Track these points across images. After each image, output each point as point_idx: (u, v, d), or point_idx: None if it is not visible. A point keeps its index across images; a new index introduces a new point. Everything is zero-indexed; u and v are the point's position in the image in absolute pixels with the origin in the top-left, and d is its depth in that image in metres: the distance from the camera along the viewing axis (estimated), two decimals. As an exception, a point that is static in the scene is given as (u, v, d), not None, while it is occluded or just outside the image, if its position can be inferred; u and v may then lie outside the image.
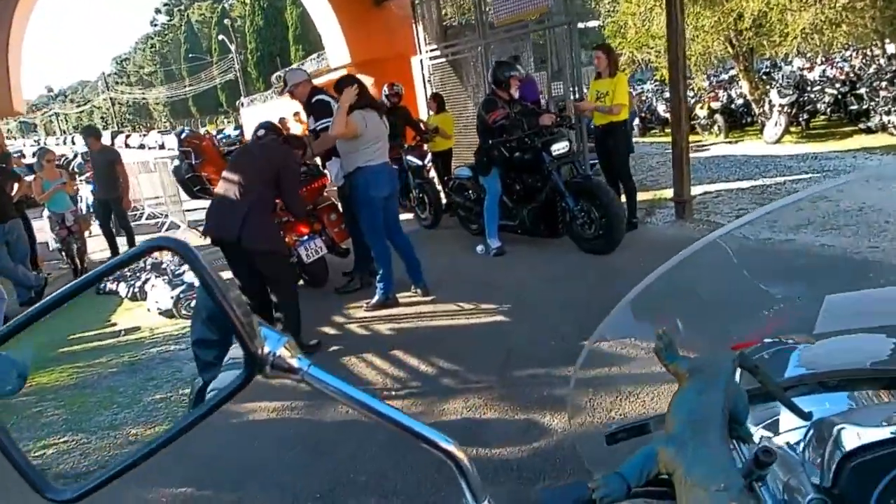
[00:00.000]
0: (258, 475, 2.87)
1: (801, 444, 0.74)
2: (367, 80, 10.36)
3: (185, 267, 0.71)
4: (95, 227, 8.85)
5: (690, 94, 12.50)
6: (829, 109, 11.18)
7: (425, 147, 7.90)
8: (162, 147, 36.22)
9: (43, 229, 8.57)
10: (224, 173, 4.07)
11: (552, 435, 2.71)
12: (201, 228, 5.29)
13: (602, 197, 5.22)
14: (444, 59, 8.94)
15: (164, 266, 6.50)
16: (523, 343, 3.76)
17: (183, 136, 5.84)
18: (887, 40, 12.36)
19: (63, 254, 7.60)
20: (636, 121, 14.83)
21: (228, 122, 45.59)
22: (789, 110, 10.75)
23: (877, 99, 9.93)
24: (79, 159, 9.59)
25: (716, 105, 12.51)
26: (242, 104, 31.00)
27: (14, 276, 6.71)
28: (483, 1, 7.91)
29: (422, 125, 7.96)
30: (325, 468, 2.81)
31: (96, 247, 8.74)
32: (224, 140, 23.11)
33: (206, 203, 4.56)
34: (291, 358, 0.66)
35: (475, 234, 6.45)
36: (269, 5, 46.64)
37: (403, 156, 7.69)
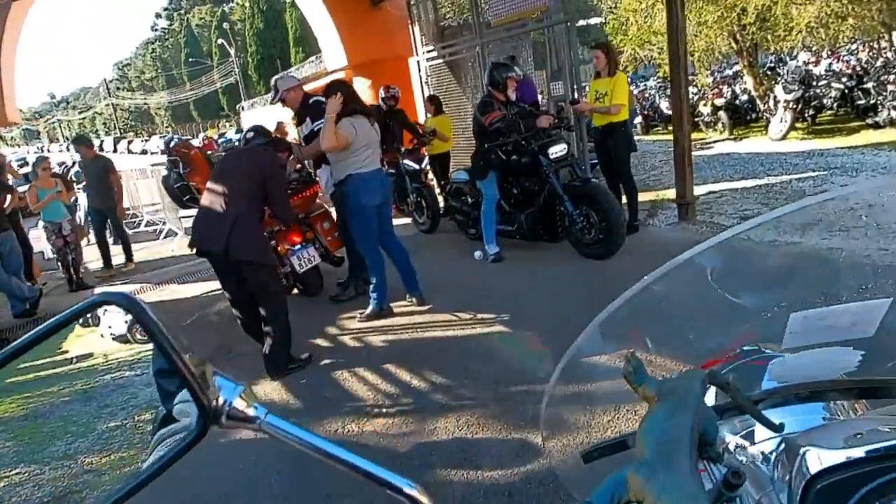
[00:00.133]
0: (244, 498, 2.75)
1: (773, 459, 0.75)
2: (365, 83, 10.35)
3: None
4: (92, 236, 8.72)
5: (693, 90, 12.33)
6: (835, 104, 10.97)
7: (423, 150, 7.76)
8: (164, 152, 36.19)
9: (40, 239, 8.49)
10: (209, 183, 3.94)
11: (547, 457, 2.56)
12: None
13: (602, 200, 5.07)
14: (441, 61, 8.82)
15: (115, 291, 6.34)
16: (520, 357, 3.62)
17: (172, 145, 5.72)
18: (895, 33, 12.16)
19: (59, 264, 7.49)
20: (639, 118, 14.68)
21: (230, 125, 45.48)
22: (795, 106, 10.55)
23: (884, 93, 9.73)
24: (77, 167, 9.46)
25: (719, 101, 12.31)
26: (243, 108, 31.00)
27: (7, 289, 6.62)
28: (480, 0, 7.78)
29: (419, 128, 7.84)
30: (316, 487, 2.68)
31: (93, 255, 8.64)
32: (226, 144, 23.09)
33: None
34: (248, 407, 0.65)
35: (473, 238, 6.31)
36: (269, 8, 46.63)
37: (400, 160, 7.57)
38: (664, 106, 14.33)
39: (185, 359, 0.61)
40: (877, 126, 9.89)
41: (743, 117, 12.63)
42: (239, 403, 0.64)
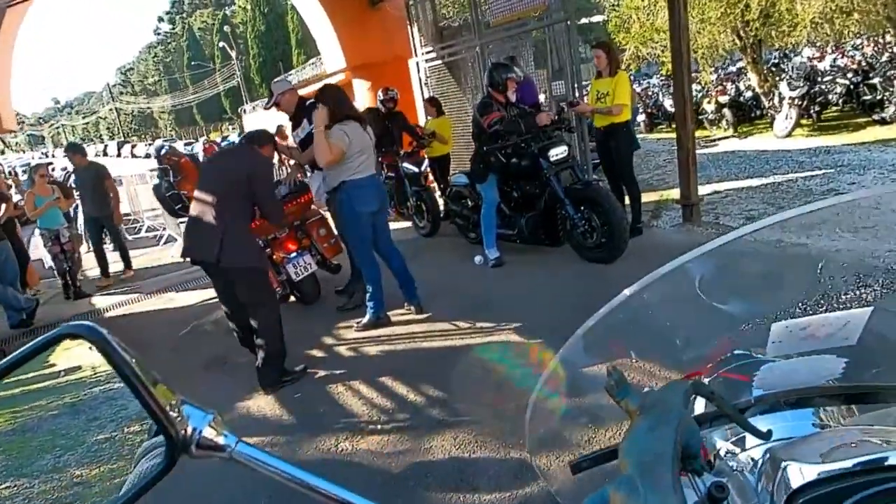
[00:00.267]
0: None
1: (758, 468, 0.75)
2: (364, 85, 10.26)
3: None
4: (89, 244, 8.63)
5: (697, 87, 12.19)
6: (840, 100, 10.81)
7: (423, 153, 7.65)
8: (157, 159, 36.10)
9: (38, 246, 8.42)
10: (196, 192, 3.85)
11: (541, 476, 2.44)
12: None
13: (604, 203, 4.95)
14: (440, 62, 8.71)
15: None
16: (521, 370, 3.50)
17: (162, 152, 5.62)
18: (900, 27, 11.99)
19: (55, 272, 7.40)
20: (642, 116, 14.55)
21: (233, 128, 45.51)
22: (800, 102, 10.41)
23: (891, 89, 9.57)
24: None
25: (723, 99, 12.17)
26: (245, 111, 30.96)
27: (3, 300, 6.54)
28: None
29: (418, 130, 7.73)
30: None
31: (94, 263, 8.54)
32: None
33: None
34: (218, 436, 0.65)
35: (474, 242, 6.20)
36: (271, 11, 46.60)
37: (399, 163, 7.47)
38: (668, 104, 14.19)
39: (151, 390, 0.60)
40: (883, 122, 9.74)
41: (747, 114, 12.49)
42: (209, 432, 0.64)
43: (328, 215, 5.21)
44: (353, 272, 5.17)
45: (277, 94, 5.00)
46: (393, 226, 7.97)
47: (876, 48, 13.05)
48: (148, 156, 42.57)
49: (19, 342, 6.36)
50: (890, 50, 12.07)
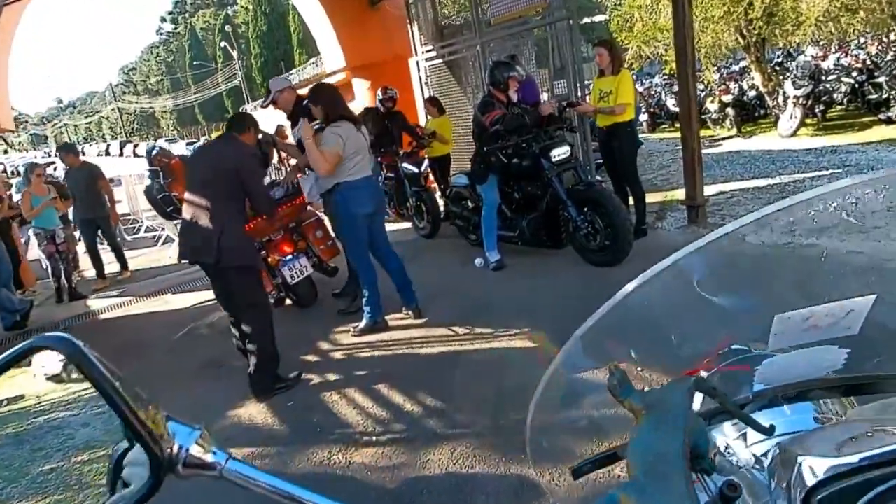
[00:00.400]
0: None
1: (768, 465, 0.74)
2: (364, 84, 10.15)
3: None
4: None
5: (700, 87, 12.05)
6: (845, 99, 10.68)
7: (422, 153, 7.54)
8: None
9: (34, 246, 8.32)
10: (186, 193, 3.75)
11: (548, 497, 2.33)
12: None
13: (607, 205, 4.83)
14: (440, 61, 8.60)
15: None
16: (520, 378, 3.38)
17: (153, 154, 5.51)
18: (906, 26, 11.84)
19: (50, 272, 7.29)
20: (644, 116, 14.42)
21: (235, 128, 45.42)
22: (805, 102, 10.27)
23: (897, 88, 9.43)
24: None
25: (727, 98, 12.04)
26: (246, 110, 30.94)
27: (-3, 301, 6.44)
28: (479, -3, 7.56)
29: (419, 130, 7.62)
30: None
31: (90, 264, 8.45)
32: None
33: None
34: (206, 453, 0.63)
35: (474, 244, 6.08)
36: (273, 11, 46.51)
37: (399, 163, 7.36)
38: (670, 103, 14.08)
39: (132, 405, 0.58)
40: (889, 121, 9.60)
41: (751, 114, 12.35)
42: (196, 450, 0.62)
43: (325, 217, 5.10)
44: (351, 275, 5.05)
45: (275, 93, 4.90)
46: (392, 227, 7.92)
47: (881, 47, 12.88)
48: (150, 155, 42.58)
49: (13, 344, 6.24)
50: (894, 49, 11.92)
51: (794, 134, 10.27)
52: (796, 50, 14.70)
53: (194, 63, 58.69)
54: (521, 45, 7.67)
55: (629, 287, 0.87)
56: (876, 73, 10.10)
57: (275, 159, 4.94)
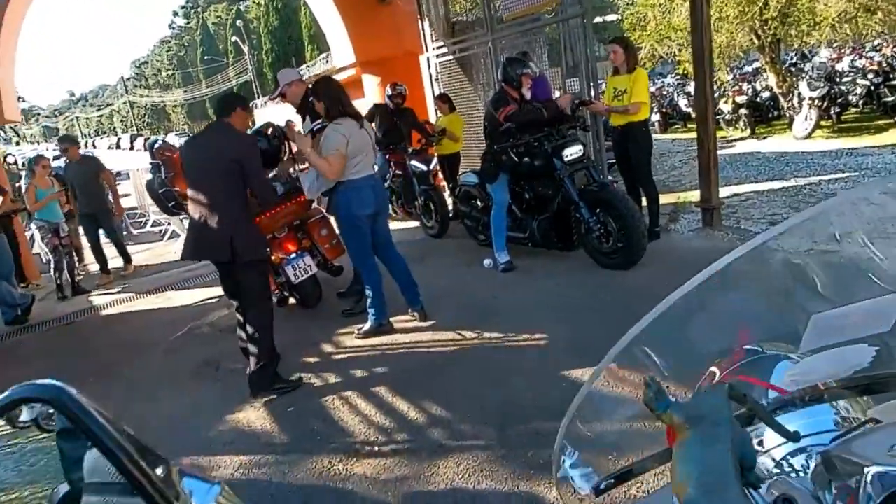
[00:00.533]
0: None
1: (811, 472, 0.71)
2: (374, 80, 10.01)
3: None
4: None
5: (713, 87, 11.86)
6: (861, 102, 10.49)
7: (431, 151, 7.41)
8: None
9: (37, 239, 8.26)
10: (189, 192, 3.64)
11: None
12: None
13: (620, 206, 4.69)
14: (451, 57, 8.46)
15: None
16: (528, 386, 3.25)
17: (155, 147, 5.40)
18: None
19: (52, 267, 7.20)
20: (656, 116, 14.25)
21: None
22: (820, 103, 10.09)
23: (915, 90, 9.23)
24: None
25: (741, 99, 11.85)
26: (256, 105, 30.91)
27: (-2, 295, 6.37)
28: (491, -7, 7.41)
29: (428, 127, 7.49)
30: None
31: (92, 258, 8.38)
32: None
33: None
34: None
35: (483, 245, 5.95)
36: (284, 6, 46.41)
37: (407, 160, 7.23)
38: (682, 103, 13.94)
39: (138, 460, 0.52)
40: (906, 124, 9.40)
41: (765, 115, 12.19)
42: None
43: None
44: (356, 274, 4.93)
45: (283, 85, 4.78)
46: (400, 225, 7.81)
47: (895, 49, 12.65)
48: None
49: (14, 339, 6.20)
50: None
51: (808, 136, 10.10)
52: (811, 51, 14.49)
53: (205, 58, 58.76)
54: (533, 42, 7.53)
55: (663, 304, 0.83)
56: (892, 76, 9.94)
57: (286, 154, 4.77)
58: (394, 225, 7.96)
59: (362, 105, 8.26)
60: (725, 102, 12.09)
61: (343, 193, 3.99)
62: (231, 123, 3.66)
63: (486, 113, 5.36)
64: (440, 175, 7.83)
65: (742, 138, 11.58)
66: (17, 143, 51.27)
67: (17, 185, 9.03)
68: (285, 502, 2.68)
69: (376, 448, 2.96)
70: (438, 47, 8.60)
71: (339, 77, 13.33)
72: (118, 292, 7.17)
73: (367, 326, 4.31)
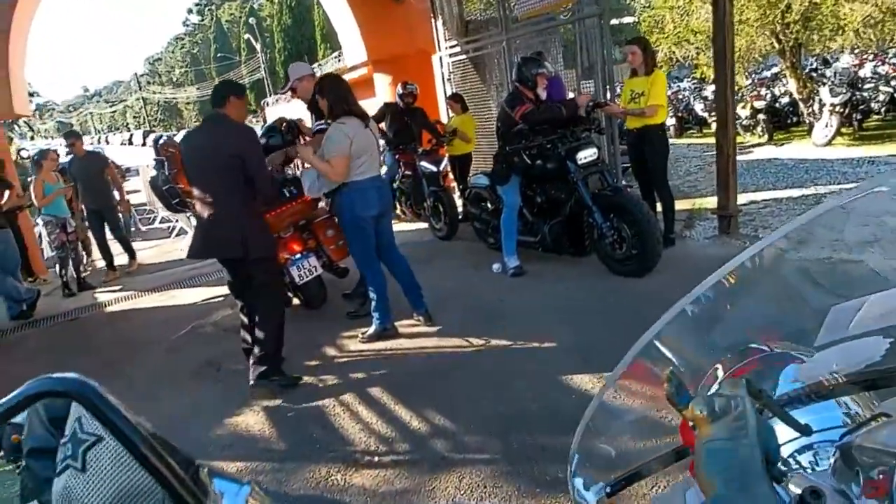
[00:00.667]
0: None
1: (832, 467, 0.69)
2: (386, 79, 9.91)
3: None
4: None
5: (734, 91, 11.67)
6: (883, 109, 10.25)
7: (442, 151, 7.29)
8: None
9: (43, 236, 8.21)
10: (195, 190, 3.55)
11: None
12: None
13: (635, 212, 4.54)
14: (464, 57, 8.34)
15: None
16: (535, 396, 3.12)
17: (160, 143, 5.31)
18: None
19: (57, 263, 7.14)
20: (672, 120, 14.05)
21: (256, 121, 45.60)
22: (841, 110, 9.86)
23: (940, 98, 9.00)
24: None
25: (759, 104, 11.64)
26: (267, 103, 30.96)
27: (3, 290, 6.32)
28: (506, -8, 7.29)
29: (439, 127, 7.38)
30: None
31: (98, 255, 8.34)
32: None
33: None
34: None
35: (493, 248, 5.82)
36: (298, 4, 46.44)
37: (417, 161, 7.11)
38: (698, 108, 13.74)
39: (168, 460, 0.50)
40: (931, 133, 9.17)
41: (783, 121, 11.95)
42: None
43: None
44: (362, 276, 4.81)
45: (294, 80, 4.68)
46: (408, 227, 7.70)
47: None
48: (172, 146, 42.77)
49: (18, 333, 6.14)
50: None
51: (828, 143, 9.88)
52: (832, 56, 14.24)
53: (218, 55, 58.94)
54: (548, 42, 7.40)
55: (677, 307, 0.85)
56: (917, 83, 9.68)
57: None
58: (402, 226, 7.91)
59: (373, 104, 8.17)
60: (743, 107, 11.87)
61: (346, 195, 3.87)
62: (227, 115, 3.54)
63: (500, 113, 5.24)
64: (451, 176, 7.72)
65: (759, 144, 11.37)
66: (32, 138, 51.68)
67: (28, 179, 9.00)
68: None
69: (376, 458, 2.83)
70: (451, 46, 8.49)
71: (350, 76, 13.28)
72: (123, 289, 7.10)
73: (371, 330, 4.20)
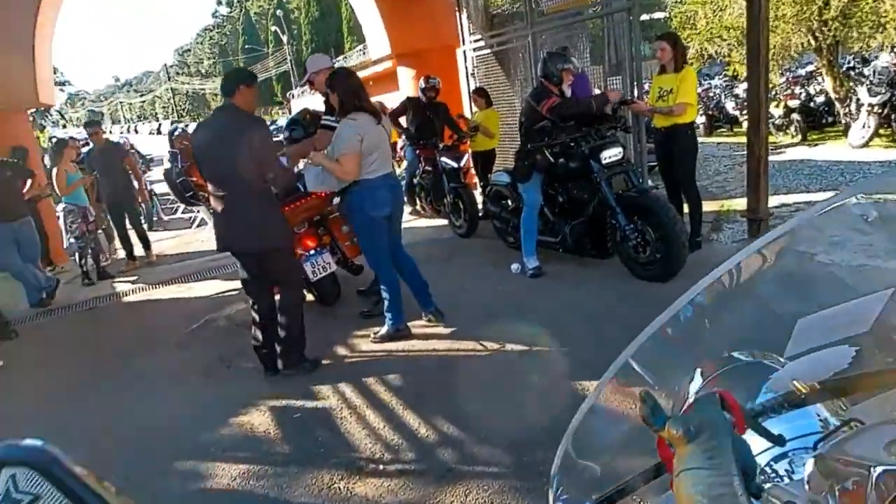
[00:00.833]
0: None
1: (805, 479, 0.69)
2: (409, 73, 9.79)
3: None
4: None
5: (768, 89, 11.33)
6: (923, 110, 9.84)
7: (464, 147, 7.14)
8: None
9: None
10: (209, 186, 3.49)
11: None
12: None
13: (661, 214, 4.36)
14: (489, 51, 8.18)
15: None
16: (549, 406, 2.98)
17: (174, 135, 5.26)
18: None
19: (77, 253, 7.16)
20: (702, 118, 13.71)
21: (283, 113, 45.83)
22: (880, 110, 9.49)
23: None
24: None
25: (793, 103, 11.28)
26: (293, 95, 31.08)
27: (23, 278, 6.35)
28: (533, -16, 7.11)
29: (462, 122, 7.24)
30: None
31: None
32: (275, 132, 22.84)
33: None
34: None
35: (512, 247, 5.68)
36: (325, -4, 46.64)
37: (438, 156, 6.98)
38: (729, 106, 13.38)
39: None
40: (974, 136, 8.78)
41: (818, 121, 11.56)
42: None
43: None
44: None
45: (311, 73, 4.58)
46: (428, 223, 7.59)
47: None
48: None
49: (36, 321, 6.17)
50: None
51: (865, 144, 9.53)
52: (870, 55, 13.77)
53: (246, 47, 59.39)
54: (574, 37, 7.20)
55: (653, 326, 0.89)
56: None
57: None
58: (421, 222, 7.80)
59: (396, 98, 8.06)
60: (776, 106, 11.52)
61: (357, 194, 3.76)
62: (237, 106, 3.48)
63: (524, 108, 5.08)
64: (472, 172, 7.58)
65: (792, 144, 11.03)
66: (64, 126, 52.62)
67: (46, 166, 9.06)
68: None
69: (381, 467, 2.73)
70: (476, 40, 8.34)
71: (374, 69, 13.18)
72: (141, 280, 7.11)
73: (383, 330, 4.09)
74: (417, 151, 7.30)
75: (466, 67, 8.58)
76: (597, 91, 6.61)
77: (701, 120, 13.58)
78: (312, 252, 4.56)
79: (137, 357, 4.66)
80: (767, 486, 0.73)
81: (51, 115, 27.79)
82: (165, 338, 4.99)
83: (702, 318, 0.95)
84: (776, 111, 11.47)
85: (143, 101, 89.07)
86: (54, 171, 6.79)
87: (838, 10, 9.82)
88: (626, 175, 4.71)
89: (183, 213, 11.76)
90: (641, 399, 0.66)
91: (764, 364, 0.89)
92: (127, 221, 7.52)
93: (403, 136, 7.45)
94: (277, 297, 3.87)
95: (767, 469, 0.76)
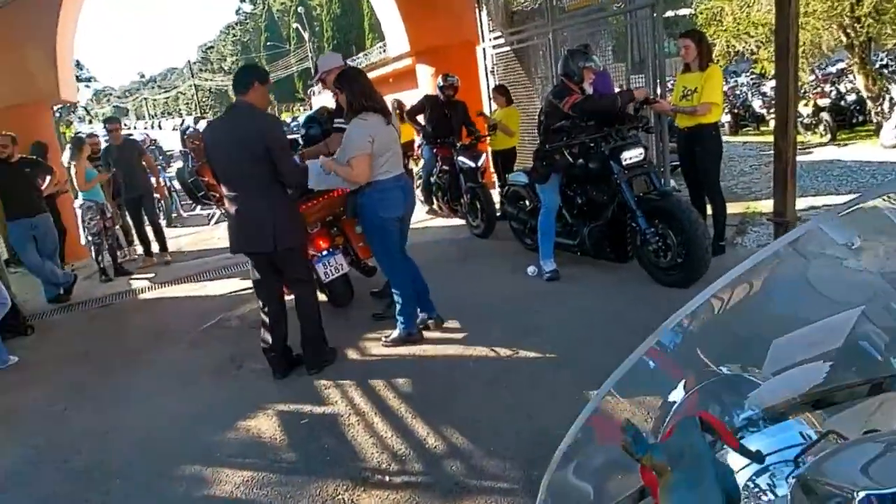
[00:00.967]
0: None
1: (790, 494, 0.69)
2: (428, 71, 9.70)
3: None
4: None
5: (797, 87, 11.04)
6: (959, 110, 9.52)
7: (481, 146, 7.03)
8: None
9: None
10: (223, 188, 3.45)
11: None
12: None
13: (682, 218, 4.21)
14: (508, 48, 8.05)
15: None
16: (563, 417, 2.87)
17: (186, 134, 5.23)
18: None
19: (93, 249, 7.18)
20: (727, 117, 13.42)
21: (304, 109, 46.06)
22: (914, 110, 9.20)
23: None
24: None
25: (823, 102, 10.97)
26: (314, 92, 31.18)
27: (41, 273, 6.40)
28: (555, -19, 6.97)
29: (481, 120, 7.14)
30: None
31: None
32: (296, 128, 22.92)
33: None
34: None
35: (529, 249, 5.57)
36: (346, -7, 46.69)
37: (455, 156, 6.88)
38: (756, 105, 13.08)
39: None
40: None
41: (848, 120, 11.24)
42: None
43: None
44: None
45: (322, 72, 4.52)
46: (445, 223, 7.49)
47: None
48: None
49: (54, 317, 6.21)
50: None
51: (898, 145, 9.22)
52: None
53: (268, 44, 59.73)
54: (596, 34, 7.05)
55: (648, 342, 0.92)
56: None
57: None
58: (438, 222, 7.71)
59: (414, 96, 7.97)
60: (805, 105, 11.22)
61: (368, 196, 3.67)
62: (250, 104, 3.42)
63: (544, 106, 4.94)
64: (490, 171, 7.46)
65: (821, 144, 10.72)
66: (90, 122, 53.46)
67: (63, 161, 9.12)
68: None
69: (387, 478, 2.64)
70: (496, 38, 8.22)
71: (393, 66, 13.10)
72: (158, 277, 7.12)
73: (395, 334, 4.01)
74: (435, 150, 7.21)
75: (486, 65, 8.47)
76: (618, 89, 6.46)
77: (726, 118, 13.30)
78: (325, 253, 4.49)
79: (150, 354, 4.65)
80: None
81: (76, 112, 28.19)
82: (179, 336, 4.97)
83: (690, 337, 0.97)
84: (805, 110, 11.17)
85: (168, 98, 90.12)
86: (72, 166, 6.83)
87: (871, 5, 9.52)
88: (647, 177, 4.57)
89: (201, 209, 11.82)
90: (622, 429, 0.67)
91: (744, 378, 0.92)
92: (145, 218, 7.54)
93: (421, 135, 7.35)
94: (289, 297, 3.82)
95: (750, 484, 0.76)
